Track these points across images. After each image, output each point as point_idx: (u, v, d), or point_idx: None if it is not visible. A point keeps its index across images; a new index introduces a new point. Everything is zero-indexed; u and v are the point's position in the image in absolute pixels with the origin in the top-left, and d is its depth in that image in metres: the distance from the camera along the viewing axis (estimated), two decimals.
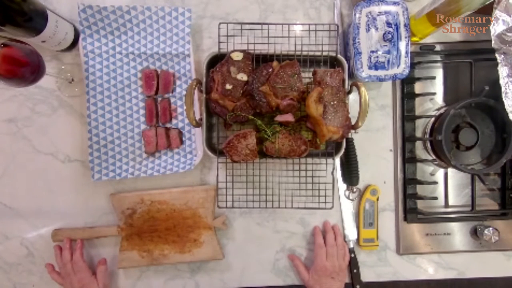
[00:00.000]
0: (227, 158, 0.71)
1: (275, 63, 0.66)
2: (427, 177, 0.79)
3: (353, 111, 0.67)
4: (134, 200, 0.76)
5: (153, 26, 0.74)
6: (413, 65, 0.76)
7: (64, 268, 0.74)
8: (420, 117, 0.77)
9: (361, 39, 0.69)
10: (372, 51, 0.69)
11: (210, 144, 0.74)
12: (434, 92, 0.78)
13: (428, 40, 0.77)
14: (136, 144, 0.76)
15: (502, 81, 0.68)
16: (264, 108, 0.65)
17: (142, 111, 0.77)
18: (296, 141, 0.66)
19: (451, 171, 0.79)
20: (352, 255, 0.78)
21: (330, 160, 0.71)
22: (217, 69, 0.65)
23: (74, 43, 0.74)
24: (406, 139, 0.78)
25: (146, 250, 0.77)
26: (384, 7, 0.68)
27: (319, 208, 0.71)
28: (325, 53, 0.69)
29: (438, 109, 0.78)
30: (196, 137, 0.75)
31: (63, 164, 0.78)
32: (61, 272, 0.75)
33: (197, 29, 0.78)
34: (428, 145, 0.78)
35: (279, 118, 0.66)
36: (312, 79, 0.66)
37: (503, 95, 0.68)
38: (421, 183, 0.78)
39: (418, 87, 0.78)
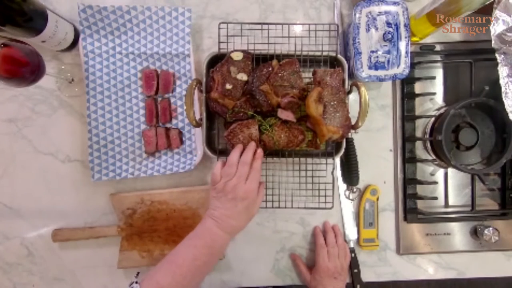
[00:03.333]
0: (227, 155, 0.71)
1: (274, 62, 0.66)
2: (427, 177, 0.79)
3: (353, 111, 0.67)
4: (134, 200, 0.76)
5: (153, 26, 0.74)
6: (413, 65, 0.76)
7: (231, 169, 0.59)
8: (420, 117, 0.77)
9: (361, 39, 0.69)
10: (372, 51, 0.69)
11: (210, 144, 0.74)
12: (434, 92, 0.78)
13: (428, 40, 0.77)
14: (136, 144, 0.76)
15: (502, 81, 0.68)
16: (265, 107, 0.65)
17: (142, 111, 0.76)
18: (292, 131, 0.66)
19: (451, 171, 0.79)
20: (353, 255, 0.78)
21: (330, 160, 0.71)
22: (217, 69, 0.65)
23: (74, 43, 0.74)
24: (406, 139, 0.78)
25: (146, 250, 0.77)
26: (384, 7, 0.68)
27: (319, 208, 0.71)
28: (325, 53, 0.69)
29: (438, 109, 0.78)
30: (196, 137, 0.75)
31: (63, 164, 0.78)
32: (225, 174, 0.60)
33: (197, 29, 0.78)
34: (428, 145, 0.78)
35: (281, 113, 0.65)
36: (312, 79, 0.66)
37: (503, 95, 0.68)
38: (421, 183, 0.78)
39: (418, 87, 0.78)
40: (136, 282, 0.53)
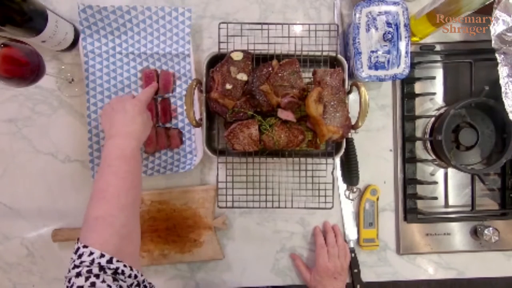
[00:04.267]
0: (227, 155, 0.71)
1: (274, 62, 0.66)
2: (427, 177, 0.79)
3: (353, 111, 0.67)
4: None
5: (153, 26, 0.74)
6: (413, 65, 0.76)
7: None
8: (420, 117, 0.77)
9: (361, 39, 0.69)
10: (372, 51, 0.69)
11: (210, 144, 0.74)
12: (434, 92, 0.78)
13: (428, 40, 0.77)
14: None
15: (502, 81, 0.68)
16: (265, 107, 0.65)
17: None
18: (292, 131, 0.66)
19: (451, 171, 0.79)
20: (353, 255, 0.78)
21: (330, 160, 0.71)
22: (217, 69, 0.65)
23: (74, 43, 0.74)
24: (406, 139, 0.78)
25: (146, 250, 0.77)
26: (384, 7, 0.68)
27: (319, 208, 0.71)
28: (325, 53, 0.69)
29: (438, 109, 0.78)
30: (196, 137, 0.75)
31: (63, 164, 0.78)
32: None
33: (197, 29, 0.78)
34: (428, 145, 0.78)
35: (281, 113, 0.66)
36: (312, 79, 0.66)
37: (503, 95, 0.68)
38: (421, 183, 0.78)
39: (418, 87, 0.78)
40: (77, 242, 0.48)
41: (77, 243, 0.49)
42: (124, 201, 0.53)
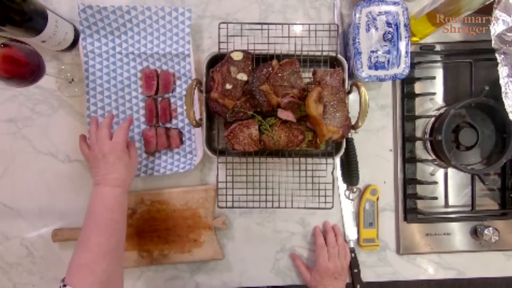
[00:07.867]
0: (227, 155, 0.71)
1: (274, 62, 0.66)
2: (427, 177, 0.79)
3: (353, 111, 0.67)
4: (134, 200, 0.76)
5: (153, 26, 0.74)
6: (413, 65, 0.76)
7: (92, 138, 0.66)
8: (420, 117, 0.77)
9: (361, 39, 0.69)
10: (372, 51, 0.69)
11: (210, 144, 0.74)
12: (434, 92, 0.78)
13: (428, 40, 0.77)
14: (136, 144, 0.76)
15: (502, 81, 0.68)
16: (265, 107, 0.65)
17: (142, 111, 0.76)
18: (292, 131, 0.66)
19: (451, 171, 0.79)
20: (353, 255, 0.78)
21: (330, 160, 0.71)
22: (217, 69, 0.65)
23: (74, 43, 0.74)
24: (406, 139, 0.78)
25: (146, 250, 0.77)
26: (384, 7, 0.68)
27: (319, 208, 0.71)
28: (325, 53, 0.69)
29: (438, 109, 0.79)
30: (196, 137, 0.75)
31: (63, 164, 0.78)
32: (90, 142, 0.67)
33: (197, 29, 0.78)
34: (428, 145, 0.78)
35: (280, 113, 0.66)
36: (312, 79, 0.66)
37: (503, 95, 0.68)
38: (421, 183, 0.78)
39: (418, 87, 0.78)
40: (64, 286, 0.53)
41: (62, 281, 0.54)
42: (105, 248, 0.56)
